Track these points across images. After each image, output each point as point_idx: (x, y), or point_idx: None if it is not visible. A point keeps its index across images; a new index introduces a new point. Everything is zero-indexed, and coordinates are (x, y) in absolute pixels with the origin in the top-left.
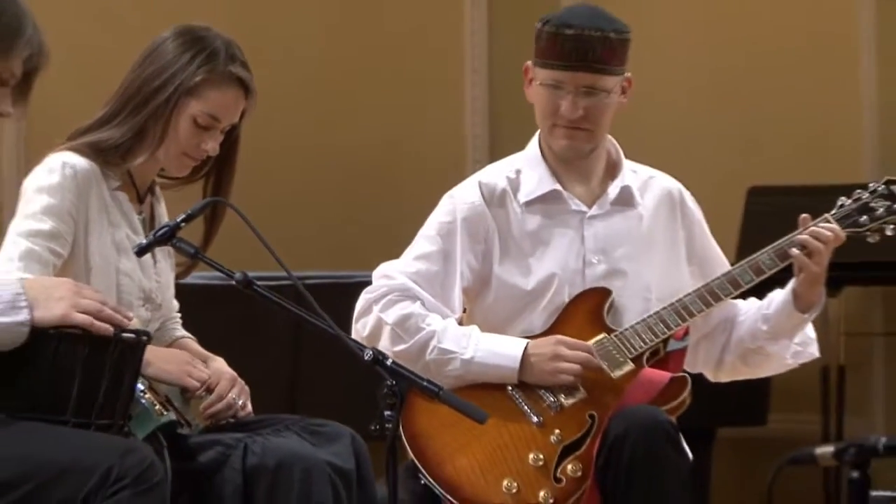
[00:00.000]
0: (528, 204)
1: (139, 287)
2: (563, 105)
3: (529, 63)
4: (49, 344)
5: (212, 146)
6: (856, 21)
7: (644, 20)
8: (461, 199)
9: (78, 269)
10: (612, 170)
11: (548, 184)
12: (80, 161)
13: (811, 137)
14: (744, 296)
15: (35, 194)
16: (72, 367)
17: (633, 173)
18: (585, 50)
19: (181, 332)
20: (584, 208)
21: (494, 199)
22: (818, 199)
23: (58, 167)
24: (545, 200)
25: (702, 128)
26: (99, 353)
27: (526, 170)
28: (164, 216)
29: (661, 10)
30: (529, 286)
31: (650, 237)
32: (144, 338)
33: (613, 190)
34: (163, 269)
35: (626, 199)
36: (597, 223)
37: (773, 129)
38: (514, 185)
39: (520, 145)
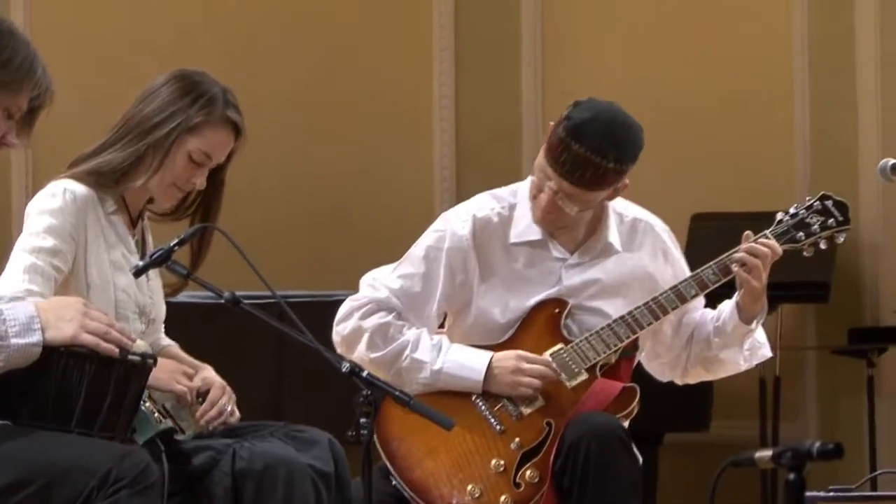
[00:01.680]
0: (515, 245)
1: (135, 302)
2: (543, 194)
3: (552, 124)
4: (58, 360)
5: (200, 182)
6: (790, 64)
7: (591, 58)
8: (452, 229)
9: (79, 286)
10: (598, 218)
11: (535, 232)
12: (79, 187)
13: (749, 169)
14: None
15: (38, 216)
16: (78, 383)
17: (617, 217)
18: (578, 168)
19: (167, 340)
20: (566, 255)
21: (484, 236)
22: (755, 224)
23: (59, 192)
24: (531, 245)
25: (648, 160)
26: (104, 371)
27: (520, 208)
28: (151, 244)
29: (607, 51)
30: (504, 319)
31: (628, 278)
32: (150, 361)
33: (597, 245)
34: (155, 287)
35: (606, 251)
36: (575, 271)
37: (714, 161)
38: (506, 222)
39: (483, 180)
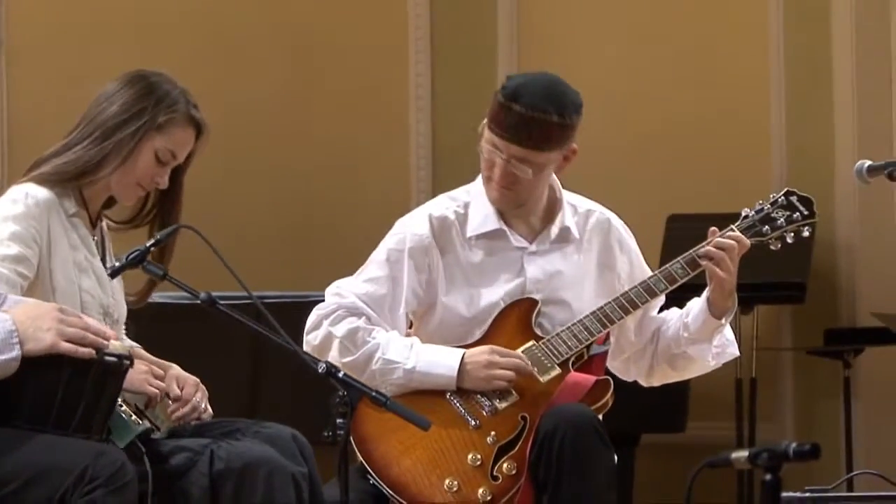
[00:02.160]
0: (474, 239)
1: (99, 303)
2: (496, 168)
3: (484, 122)
4: (36, 361)
5: (163, 181)
6: (766, 67)
7: (568, 61)
8: (411, 230)
9: (45, 290)
10: (553, 207)
11: (492, 222)
12: (40, 191)
13: (724, 170)
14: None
15: (1, 223)
16: (55, 384)
17: (572, 208)
18: (523, 128)
19: (129, 341)
20: (525, 244)
21: (442, 233)
22: (730, 225)
23: (21, 198)
24: (489, 237)
25: (626, 162)
26: (81, 373)
27: (474, 204)
28: (109, 246)
29: (584, 52)
30: (471, 314)
31: (587, 268)
32: (126, 362)
33: (553, 230)
34: (116, 288)
35: (564, 237)
36: (537, 259)
37: (691, 163)
38: (462, 219)
39: (459, 177)
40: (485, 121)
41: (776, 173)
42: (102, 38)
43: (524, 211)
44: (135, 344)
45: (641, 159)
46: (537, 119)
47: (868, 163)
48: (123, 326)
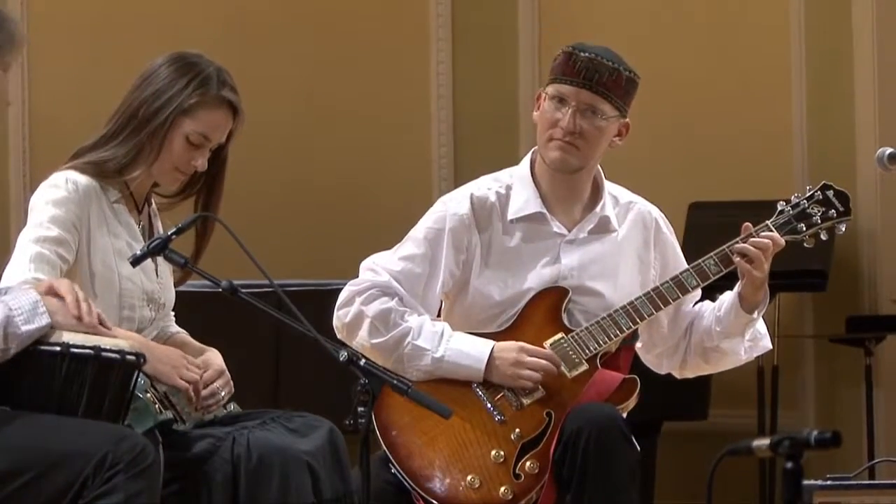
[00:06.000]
0: (514, 222)
1: (141, 289)
2: (562, 119)
3: (541, 89)
4: (38, 358)
5: (201, 163)
6: (788, 53)
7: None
8: (452, 209)
9: (83, 275)
10: (595, 196)
11: (534, 205)
12: (81, 178)
13: (747, 158)
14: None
15: (42, 206)
16: (80, 386)
17: (613, 198)
18: (593, 72)
19: (175, 328)
20: (564, 231)
21: (483, 213)
22: (753, 214)
23: (62, 183)
24: (529, 220)
25: (648, 150)
26: (105, 373)
27: (516, 187)
28: (160, 228)
29: (606, 40)
30: (503, 298)
31: (622, 260)
32: (130, 357)
33: (592, 219)
34: (164, 272)
35: (603, 227)
36: (573, 247)
37: (712, 151)
38: (503, 201)
39: (481, 163)
40: (544, 87)
41: (797, 161)
42: (124, 27)
43: (568, 195)
44: (181, 330)
45: (663, 146)
46: (606, 65)
47: (889, 150)
48: (171, 314)
